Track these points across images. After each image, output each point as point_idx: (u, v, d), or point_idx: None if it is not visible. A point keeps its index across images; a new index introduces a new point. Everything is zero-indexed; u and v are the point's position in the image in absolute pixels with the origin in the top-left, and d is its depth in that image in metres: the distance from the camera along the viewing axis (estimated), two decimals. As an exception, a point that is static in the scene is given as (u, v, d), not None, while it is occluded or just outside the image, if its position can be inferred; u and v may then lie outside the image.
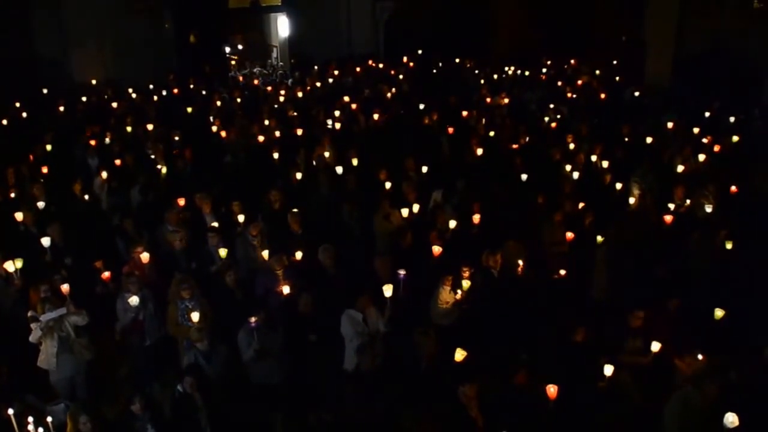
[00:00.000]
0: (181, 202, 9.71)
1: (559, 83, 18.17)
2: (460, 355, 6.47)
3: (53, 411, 6.30)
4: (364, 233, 9.54)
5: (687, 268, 8.51)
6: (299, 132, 13.35)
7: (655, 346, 6.67)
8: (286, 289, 7.49)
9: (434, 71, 21.34)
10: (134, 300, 7.35)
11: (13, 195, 10.32)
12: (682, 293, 7.57)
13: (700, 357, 6.44)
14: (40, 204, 9.82)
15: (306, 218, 9.20)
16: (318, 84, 18.73)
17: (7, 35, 17.34)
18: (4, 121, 14.33)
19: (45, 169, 11.27)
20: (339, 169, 10.94)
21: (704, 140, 12.54)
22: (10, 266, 7.82)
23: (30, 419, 5.76)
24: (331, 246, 8.11)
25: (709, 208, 9.49)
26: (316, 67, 20.07)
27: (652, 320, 7.03)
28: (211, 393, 6.33)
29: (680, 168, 11.16)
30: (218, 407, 6.31)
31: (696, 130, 13.05)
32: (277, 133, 13.36)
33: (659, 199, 10.05)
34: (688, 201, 9.86)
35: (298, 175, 10.90)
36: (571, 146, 12.39)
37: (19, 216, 9.11)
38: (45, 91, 16.69)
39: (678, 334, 6.93)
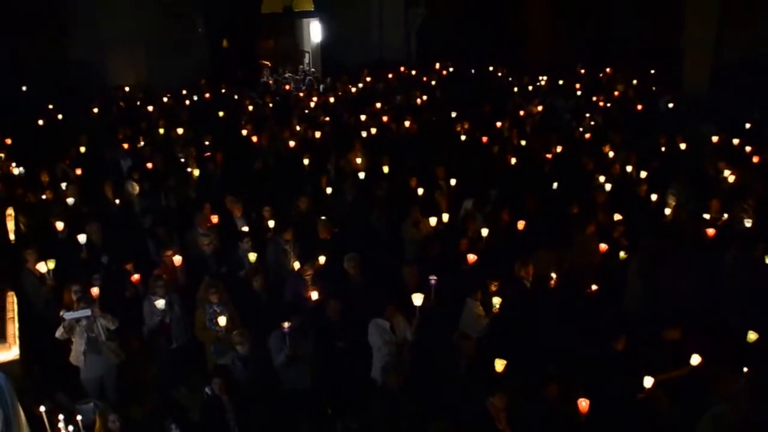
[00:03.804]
0: (209, 207, 9.67)
1: (594, 97, 17.83)
2: (500, 365, 6.38)
3: (82, 410, 6.34)
4: (392, 240, 9.49)
5: (723, 282, 8.29)
6: (330, 138, 13.33)
7: (695, 359, 6.50)
8: (314, 295, 7.46)
9: (467, 79, 21.21)
10: (160, 303, 7.37)
11: (45, 197, 10.45)
12: (717, 308, 7.36)
13: (737, 375, 6.25)
14: (70, 200, 9.93)
15: (334, 225, 9.16)
16: (353, 89, 18.73)
17: (42, 38, 17.68)
18: (40, 122, 14.57)
19: (79, 171, 11.41)
20: (362, 175, 10.86)
21: (746, 151, 12.26)
22: (43, 267, 7.92)
23: (60, 417, 5.81)
24: (356, 255, 8.05)
25: (748, 223, 9.25)
26: (346, 76, 20.06)
27: (689, 337, 6.85)
28: (240, 395, 6.31)
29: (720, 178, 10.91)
30: (247, 410, 6.28)
31: (736, 141, 12.78)
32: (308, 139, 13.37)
33: (696, 212, 9.82)
34: (725, 215, 9.62)
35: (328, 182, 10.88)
36: (611, 154, 12.21)
37: (59, 225, 9.13)
38: (79, 93, 16.92)
39: (714, 352, 6.74)
